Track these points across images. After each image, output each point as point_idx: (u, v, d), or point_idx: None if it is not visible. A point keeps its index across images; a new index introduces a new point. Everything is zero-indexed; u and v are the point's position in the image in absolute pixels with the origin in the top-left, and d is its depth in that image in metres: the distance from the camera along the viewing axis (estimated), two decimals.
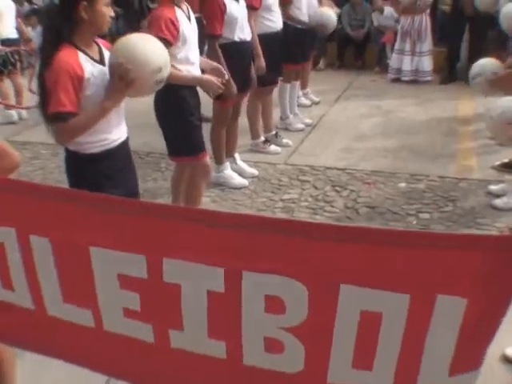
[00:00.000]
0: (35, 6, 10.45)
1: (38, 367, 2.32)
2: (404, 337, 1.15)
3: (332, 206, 4.31)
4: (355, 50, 9.13)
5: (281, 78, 5.68)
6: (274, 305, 1.20)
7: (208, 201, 4.36)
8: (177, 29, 3.30)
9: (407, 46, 7.98)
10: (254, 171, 4.90)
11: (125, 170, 2.66)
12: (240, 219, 1.23)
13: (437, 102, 6.97)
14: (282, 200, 4.44)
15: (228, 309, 1.25)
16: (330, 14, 6.04)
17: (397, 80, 8.07)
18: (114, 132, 2.53)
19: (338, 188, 4.60)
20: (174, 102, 3.46)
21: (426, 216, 4.10)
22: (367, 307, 1.15)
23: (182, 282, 1.27)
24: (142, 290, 1.33)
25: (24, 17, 8.69)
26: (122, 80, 2.34)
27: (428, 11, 7.99)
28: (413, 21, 7.88)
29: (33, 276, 1.44)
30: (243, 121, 5.06)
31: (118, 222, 1.29)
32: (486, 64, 4.37)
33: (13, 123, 6.62)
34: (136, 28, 6.46)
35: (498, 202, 4.18)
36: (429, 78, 7.99)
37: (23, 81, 6.67)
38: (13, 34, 6.68)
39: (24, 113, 6.66)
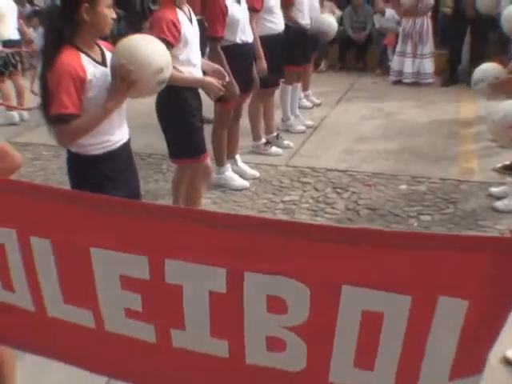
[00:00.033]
0: (37, 8, 10.48)
1: (38, 369, 2.31)
2: (405, 337, 1.16)
3: (333, 208, 4.31)
4: (357, 52, 9.14)
5: (282, 80, 5.68)
6: (275, 305, 1.20)
7: (209, 202, 4.36)
8: (178, 30, 3.30)
9: (409, 49, 7.98)
10: (255, 173, 4.90)
11: (126, 171, 2.66)
12: (241, 220, 1.24)
13: (438, 104, 6.97)
14: (282, 202, 4.44)
15: (230, 309, 1.25)
16: (331, 21, 6.06)
17: (398, 82, 8.06)
18: (116, 134, 2.52)
19: (339, 190, 4.60)
20: (176, 104, 3.47)
21: (427, 218, 4.10)
22: (369, 307, 1.15)
23: (183, 282, 1.27)
24: (144, 290, 1.33)
25: (26, 18, 8.71)
26: (123, 81, 2.34)
27: (429, 13, 7.99)
28: (414, 23, 7.88)
29: (33, 277, 1.44)
30: (244, 122, 5.06)
31: (120, 224, 1.30)
32: (488, 69, 4.37)
33: (14, 124, 6.62)
34: (138, 30, 6.44)
35: (499, 204, 4.18)
36: (430, 81, 7.99)
37: (24, 82, 6.67)
38: (14, 35, 6.68)
39: (25, 114, 6.67)
